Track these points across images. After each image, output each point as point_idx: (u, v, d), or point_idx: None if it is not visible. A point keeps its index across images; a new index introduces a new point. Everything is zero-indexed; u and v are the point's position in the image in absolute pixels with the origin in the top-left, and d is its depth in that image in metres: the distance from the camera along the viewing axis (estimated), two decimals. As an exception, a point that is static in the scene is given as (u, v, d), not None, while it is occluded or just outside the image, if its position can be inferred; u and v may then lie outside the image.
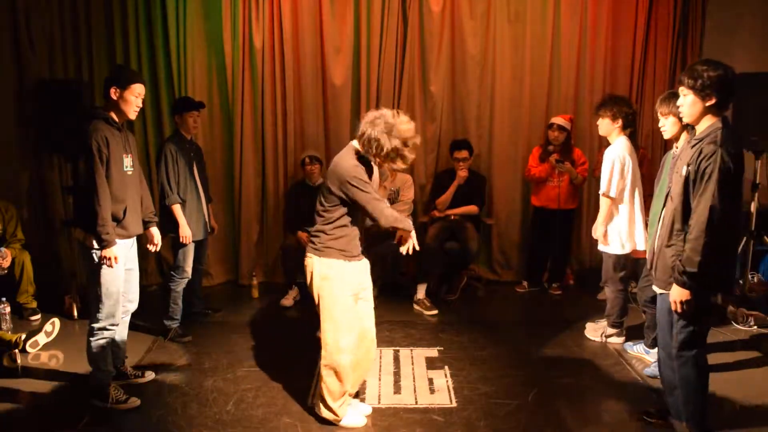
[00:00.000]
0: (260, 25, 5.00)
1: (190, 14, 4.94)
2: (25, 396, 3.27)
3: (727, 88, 2.43)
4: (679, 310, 2.52)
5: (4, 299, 4.03)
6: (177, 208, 3.86)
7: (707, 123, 2.49)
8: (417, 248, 2.84)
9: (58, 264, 4.96)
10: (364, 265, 2.95)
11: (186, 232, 3.88)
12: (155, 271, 5.24)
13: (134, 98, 3.01)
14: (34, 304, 4.39)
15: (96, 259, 2.96)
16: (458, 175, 4.81)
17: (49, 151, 4.79)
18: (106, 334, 3.05)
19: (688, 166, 2.48)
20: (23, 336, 3.69)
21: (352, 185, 2.70)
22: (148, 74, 4.99)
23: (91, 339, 3.05)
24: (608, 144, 3.86)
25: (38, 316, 4.33)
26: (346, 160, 2.77)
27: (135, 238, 3.20)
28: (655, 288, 2.76)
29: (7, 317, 4.01)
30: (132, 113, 3.04)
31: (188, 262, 3.99)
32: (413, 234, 2.83)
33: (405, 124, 2.70)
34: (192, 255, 4.00)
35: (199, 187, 4.06)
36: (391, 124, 2.67)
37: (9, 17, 4.68)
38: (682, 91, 2.52)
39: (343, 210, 2.79)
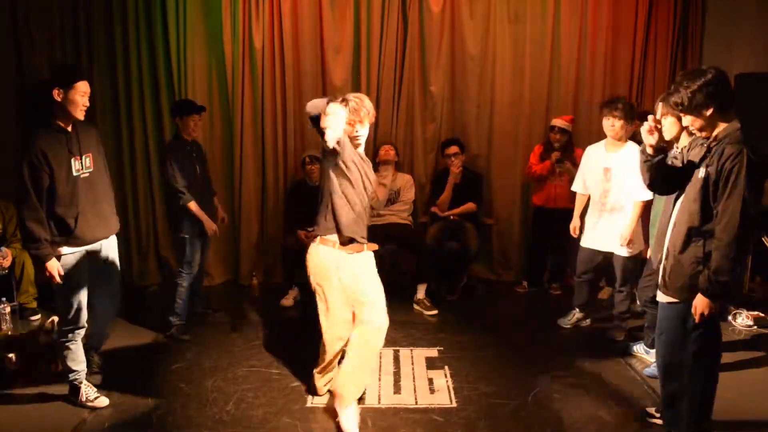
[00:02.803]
0: (260, 25, 5.00)
1: (190, 14, 4.94)
2: (24, 397, 3.27)
3: (717, 88, 2.33)
4: (703, 320, 2.40)
5: (4, 299, 4.02)
6: (194, 205, 3.90)
7: (722, 126, 2.39)
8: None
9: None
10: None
11: (212, 226, 4.00)
12: (155, 270, 5.24)
13: (80, 98, 2.73)
14: (34, 304, 4.38)
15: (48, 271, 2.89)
16: (451, 171, 4.80)
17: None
18: (70, 336, 3.06)
19: (707, 167, 2.37)
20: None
21: None
22: (148, 74, 4.98)
23: (60, 341, 3.07)
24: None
25: (38, 316, 4.32)
26: None
27: (114, 236, 3.17)
28: (661, 296, 2.61)
29: (7, 317, 4.00)
30: (80, 114, 2.77)
31: (196, 258, 4.03)
32: None
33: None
34: (200, 250, 4.06)
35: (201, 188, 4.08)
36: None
37: (9, 17, 4.67)
38: (680, 114, 2.45)
39: None
